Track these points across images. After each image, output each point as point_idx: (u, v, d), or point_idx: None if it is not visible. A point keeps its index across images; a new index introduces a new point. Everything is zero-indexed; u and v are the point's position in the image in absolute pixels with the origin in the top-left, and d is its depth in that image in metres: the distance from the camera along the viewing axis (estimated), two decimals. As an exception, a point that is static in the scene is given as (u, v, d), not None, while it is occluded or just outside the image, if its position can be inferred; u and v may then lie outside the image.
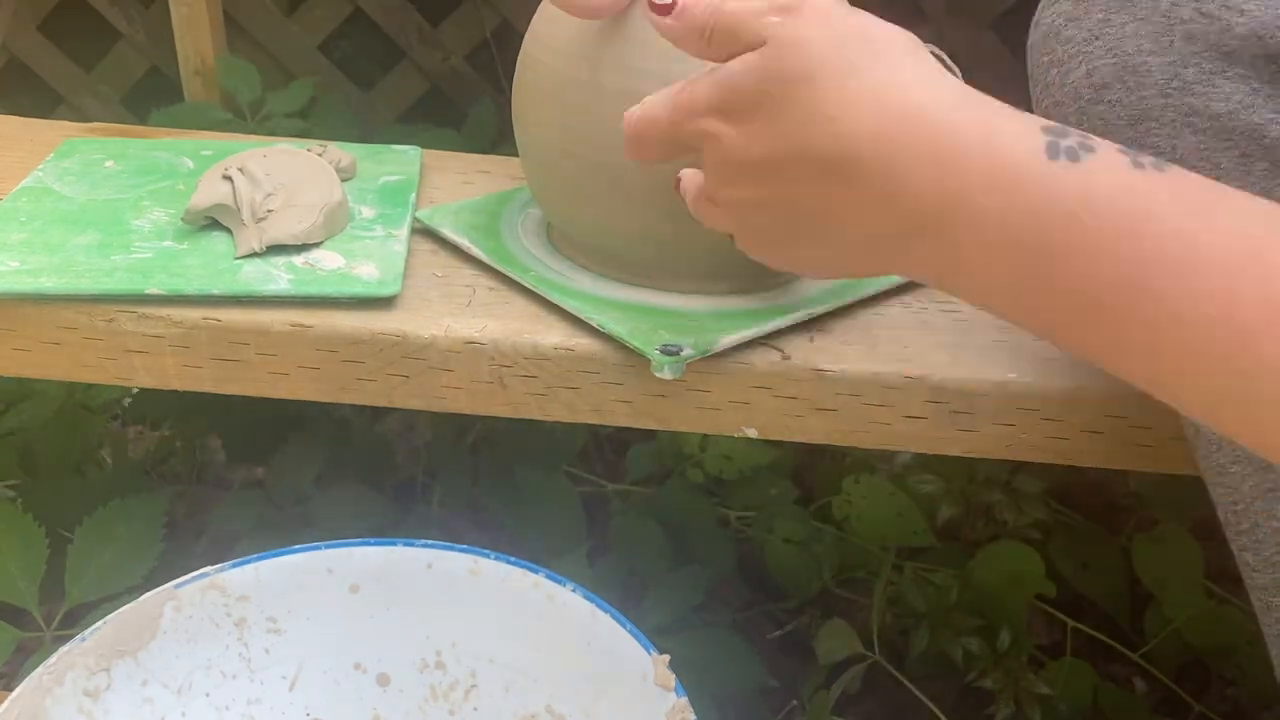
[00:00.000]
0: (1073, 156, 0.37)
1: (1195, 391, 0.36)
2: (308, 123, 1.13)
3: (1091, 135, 0.38)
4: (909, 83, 0.40)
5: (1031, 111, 0.55)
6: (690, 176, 0.51)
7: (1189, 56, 0.48)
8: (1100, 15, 0.50)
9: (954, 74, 0.52)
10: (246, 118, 1.12)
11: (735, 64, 0.43)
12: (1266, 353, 0.33)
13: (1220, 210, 0.35)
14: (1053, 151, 0.37)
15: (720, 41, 0.44)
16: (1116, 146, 0.37)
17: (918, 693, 0.92)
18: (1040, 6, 0.55)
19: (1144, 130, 0.49)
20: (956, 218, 0.38)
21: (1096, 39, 0.50)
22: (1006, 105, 0.40)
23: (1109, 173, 0.36)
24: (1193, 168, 0.48)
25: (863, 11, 0.43)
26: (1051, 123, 0.39)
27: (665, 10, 0.46)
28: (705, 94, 0.44)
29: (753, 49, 0.43)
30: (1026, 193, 0.37)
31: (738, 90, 0.43)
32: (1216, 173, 0.48)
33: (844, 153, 0.40)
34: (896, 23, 0.43)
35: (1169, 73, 0.48)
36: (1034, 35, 0.55)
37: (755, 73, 0.42)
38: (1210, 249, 0.34)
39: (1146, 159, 0.37)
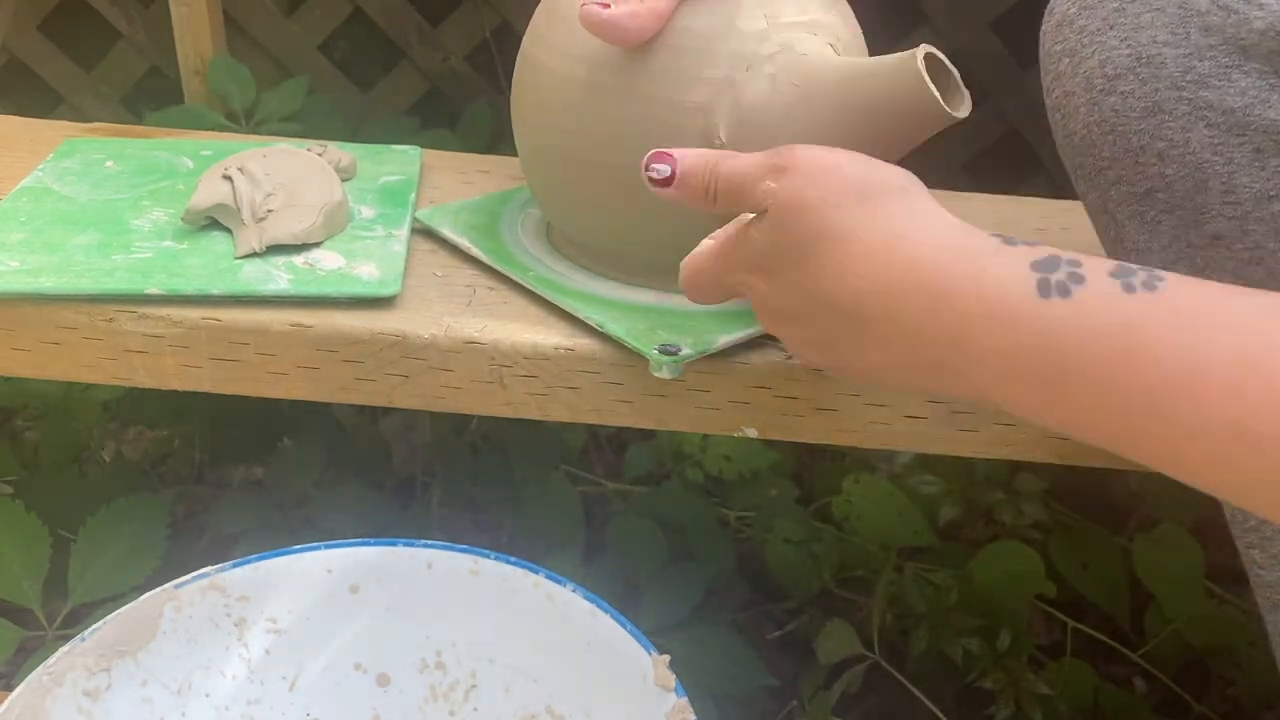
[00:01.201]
0: (1063, 292, 0.38)
1: (1222, 486, 0.37)
2: (298, 124, 1.12)
3: (1081, 260, 0.38)
4: (902, 236, 0.42)
5: (1042, 100, 0.55)
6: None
7: (1205, 49, 0.48)
8: (1115, 4, 0.50)
9: (954, 76, 0.52)
10: (241, 121, 1.12)
11: (753, 232, 0.47)
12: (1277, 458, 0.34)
13: (1217, 323, 0.35)
14: (1043, 289, 0.38)
15: (725, 202, 0.48)
16: (1107, 269, 0.38)
17: (918, 693, 0.92)
18: None
19: (1157, 123, 0.49)
20: (964, 356, 0.40)
21: (1111, 28, 0.50)
22: (997, 239, 0.41)
23: (1101, 305, 0.37)
24: (1205, 162, 0.48)
25: (848, 153, 0.45)
26: (1041, 253, 0.39)
27: (666, 183, 0.49)
28: (738, 256, 0.48)
29: (759, 209, 0.46)
30: (1022, 334, 0.38)
31: (760, 253, 0.47)
32: (1230, 167, 0.48)
33: (855, 306, 0.43)
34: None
35: (1183, 65, 0.48)
36: (1047, 23, 0.54)
37: (768, 238, 0.46)
38: (1211, 365, 0.35)
39: (1138, 278, 0.37)
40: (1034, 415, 0.40)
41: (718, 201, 0.48)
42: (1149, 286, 0.37)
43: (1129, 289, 0.37)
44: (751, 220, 0.47)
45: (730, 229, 0.50)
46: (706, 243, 0.52)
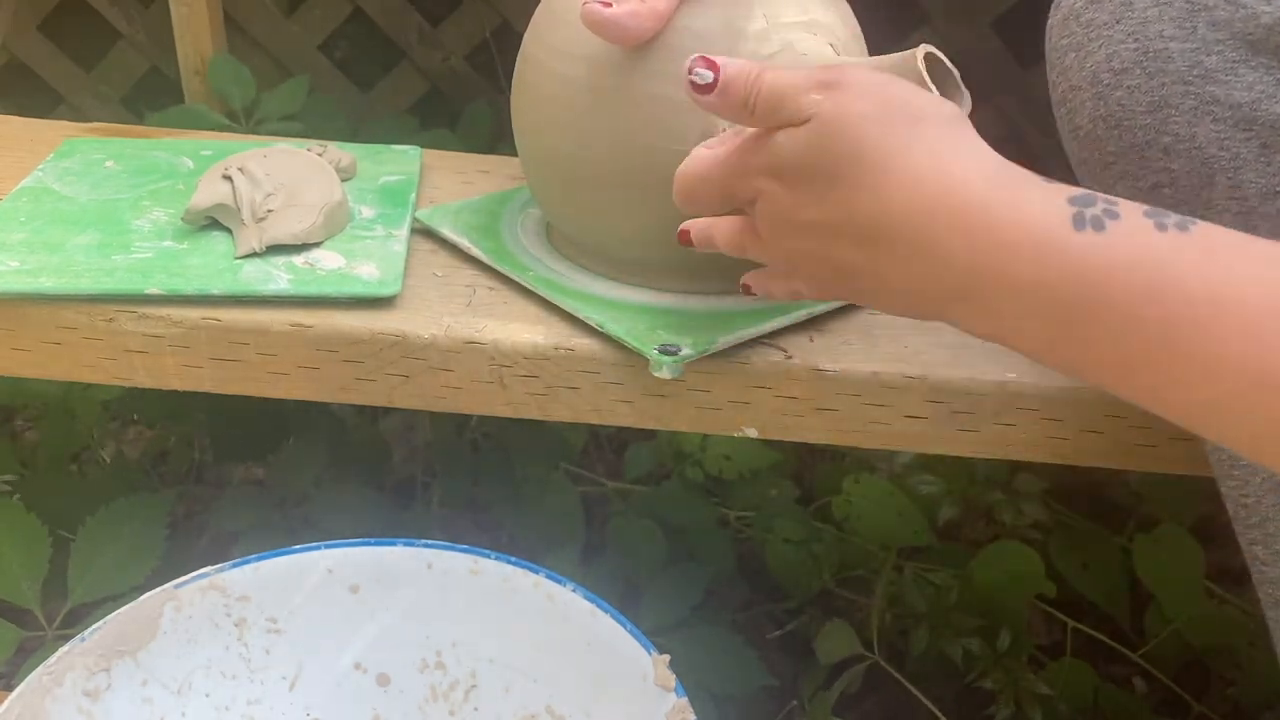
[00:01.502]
0: (1098, 226, 0.38)
1: (1237, 432, 0.37)
2: (298, 123, 1.12)
3: (1117, 200, 0.39)
4: (947, 160, 0.42)
5: (1049, 97, 0.55)
6: (707, 226, 0.54)
7: (1212, 43, 0.48)
8: None
9: (954, 76, 0.52)
10: (241, 120, 1.12)
11: (783, 138, 0.45)
12: None
13: (1246, 267, 0.35)
14: (1078, 222, 0.38)
15: (763, 113, 0.47)
16: (1142, 209, 0.38)
17: (917, 693, 0.92)
18: None
19: (1163, 117, 0.49)
20: (987, 286, 0.40)
21: (1118, 22, 0.50)
22: (1036, 175, 0.41)
23: (1132, 239, 0.37)
24: (1211, 157, 0.48)
25: (900, 80, 0.45)
26: (1078, 191, 0.39)
27: (708, 89, 0.48)
28: (757, 160, 0.47)
29: (796, 122, 0.45)
30: (1053, 263, 0.38)
31: (788, 161, 0.45)
32: (1236, 163, 0.48)
33: (884, 226, 0.42)
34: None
35: (1191, 59, 0.48)
36: (1053, 18, 0.54)
37: (803, 148, 0.45)
38: (1236, 308, 0.35)
39: (1171, 219, 0.37)
40: (1043, 352, 0.40)
41: (755, 114, 0.47)
42: (1181, 227, 0.37)
43: (1161, 228, 0.37)
44: (785, 130, 0.46)
45: (742, 136, 0.49)
46: (703, 150, 0.50)
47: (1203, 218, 0.49)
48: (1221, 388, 0.35)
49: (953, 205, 0.41)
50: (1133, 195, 0.51)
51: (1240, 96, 0.47)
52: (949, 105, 0.44)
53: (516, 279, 0.64)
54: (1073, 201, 0.39)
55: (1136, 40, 0.49)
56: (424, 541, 0.61)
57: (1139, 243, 0.37)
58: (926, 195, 0.41)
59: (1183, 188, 0.49)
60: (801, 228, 0.46)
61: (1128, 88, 0.50)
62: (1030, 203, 0.39)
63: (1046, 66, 0.55)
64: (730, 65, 0.48)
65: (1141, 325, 0.37)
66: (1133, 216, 0.38)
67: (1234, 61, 0.47)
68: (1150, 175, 0.50)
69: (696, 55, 0.49)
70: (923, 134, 0.42)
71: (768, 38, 0.58)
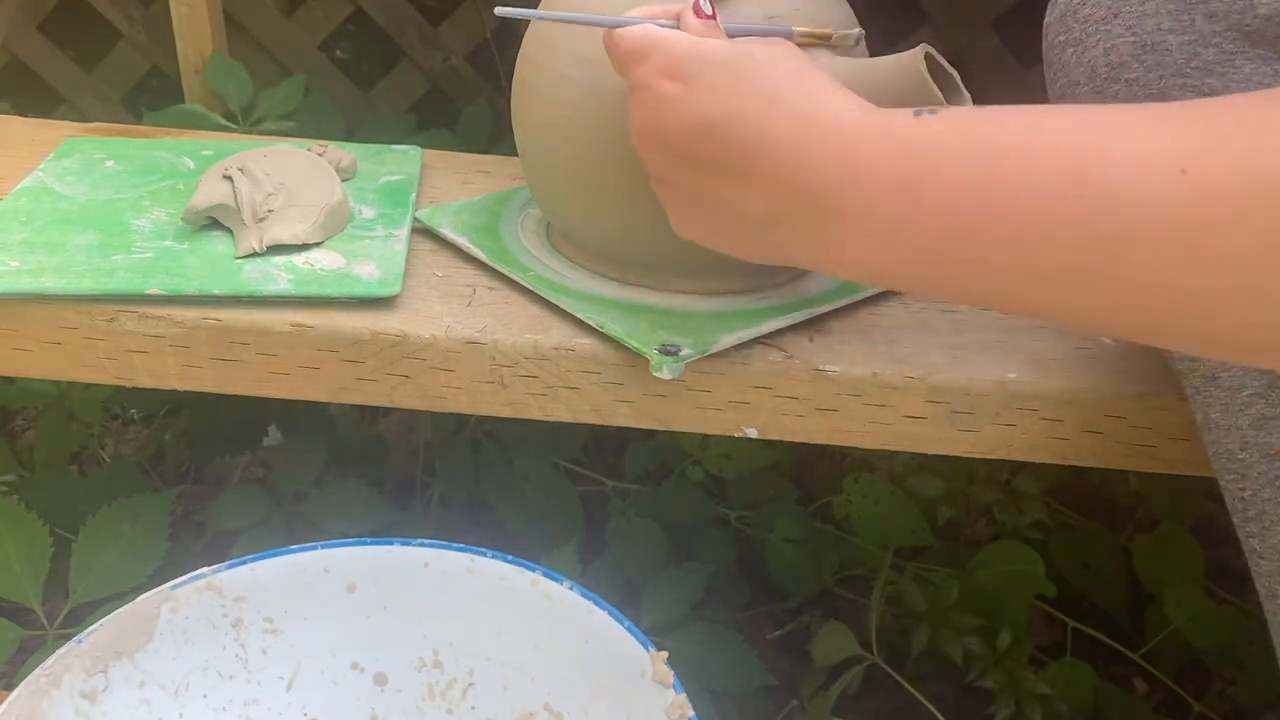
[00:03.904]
0: (933, 112, 0.41)
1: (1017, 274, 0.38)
2: (296, 122, 1.12)
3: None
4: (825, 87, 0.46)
5: (1045, 100, 0.55)
6: None
7: (1209, 35, 0.48)
8: None
9: (952, 76, 0.52)
10: (239, 120, 1.12)
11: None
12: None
13: (1053, 126, 0.37)
14: (918, 112, 0.41)
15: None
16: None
17: (917, 693, 0.92)
18: None
19: None
20: (845, 191, 0.42)
21: (1116, 16, 0.50)
22: None
23: (963, 113, 0.41)
24: None
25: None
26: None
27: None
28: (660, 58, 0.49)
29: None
30: (898, 138, 0.41)
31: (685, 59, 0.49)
32: None
33: (767, 135, 0.45)
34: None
35: (1188, 52, 0.48)
36: (1050, 14, 0.54)
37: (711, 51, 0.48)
38: (1049, 157, 0.36)
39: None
40: (893, 253, 0.42)
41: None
42: (1014, 110, 0.40)
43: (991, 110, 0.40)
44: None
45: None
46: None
47: None
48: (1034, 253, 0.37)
49: (831, 117, 0.44)
50: None
51: (1238, 88, 0.47)
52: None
53: (516, 279, 0.64)
54: (918, 111, 0.42)
55: (1134, 34, 0.49)
56: (420, 541, 0.61)
57: (968, 115, 0.40)
58: (811, 107, 0.45)
59: None
60: (683, 129, 0.48)
61: (1126, 81, 0.49)
62: (895, 113, 0.42)
63: (1044, 65, 0.55)
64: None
65: (958, 182, 0.39)
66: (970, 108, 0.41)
67: (1231, 53, 0.47)
68: None
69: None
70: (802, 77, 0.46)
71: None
